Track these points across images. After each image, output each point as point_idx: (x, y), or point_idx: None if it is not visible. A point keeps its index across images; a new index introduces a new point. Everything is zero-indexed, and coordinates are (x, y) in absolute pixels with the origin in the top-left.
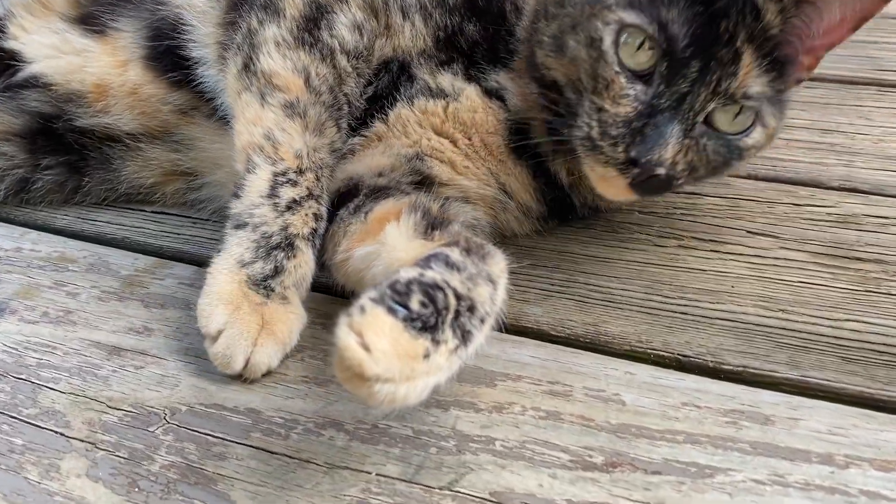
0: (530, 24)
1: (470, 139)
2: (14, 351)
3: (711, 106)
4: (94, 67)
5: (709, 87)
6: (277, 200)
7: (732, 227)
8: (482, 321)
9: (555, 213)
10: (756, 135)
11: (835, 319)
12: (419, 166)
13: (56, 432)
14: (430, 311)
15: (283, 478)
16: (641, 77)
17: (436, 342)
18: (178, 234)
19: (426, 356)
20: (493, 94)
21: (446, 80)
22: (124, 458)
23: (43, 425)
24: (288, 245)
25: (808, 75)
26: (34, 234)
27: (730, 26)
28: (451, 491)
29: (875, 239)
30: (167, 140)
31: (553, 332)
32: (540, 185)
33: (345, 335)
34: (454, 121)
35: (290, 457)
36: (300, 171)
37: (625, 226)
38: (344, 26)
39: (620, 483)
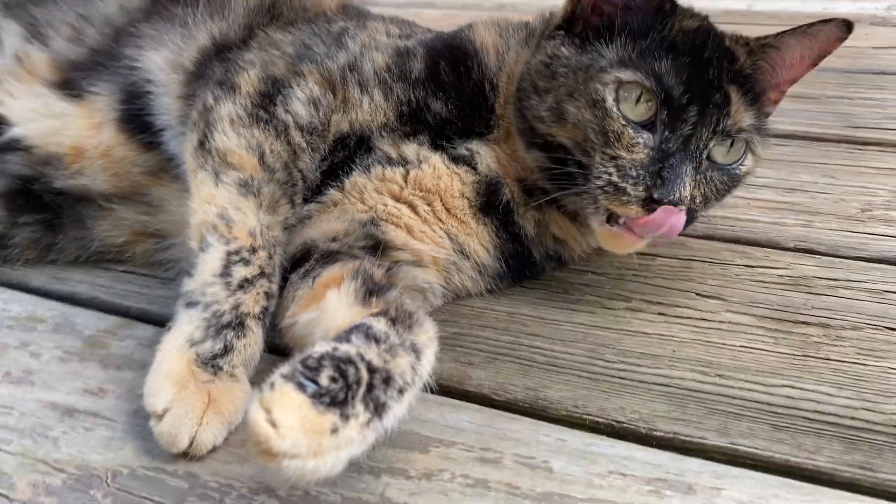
0: (515, 102)
1: (430, 204)
2: None
3: (712, 143)
4: (71, 130)
5: (709, 128)
6: (230, 279)
7: (682, 288)
8: (401, 392)
9: (511, 271)
10: (748, 162)
11: (770, 385)
12: (373, 231)
13: (0, 494)
14: (339, 386)
15: None
16: (644, 126)
17: (345, 416)
18: (145, 293)
19: (334, 431)
20: (460, 159)
21: (411, 149)
22: None
23: None
24: (238, 324)
25: (774, 109)
26: (8, 292)
27: (715, 72)
28: None
29: (823, 302)
30: (138, 201)
31: (494, 396)
32: (501, 242)
33: (254, 411)
34: (416, 187)
35: None
36: (253, 250)
37: (577, 287)
38: (300, 101)
39: None
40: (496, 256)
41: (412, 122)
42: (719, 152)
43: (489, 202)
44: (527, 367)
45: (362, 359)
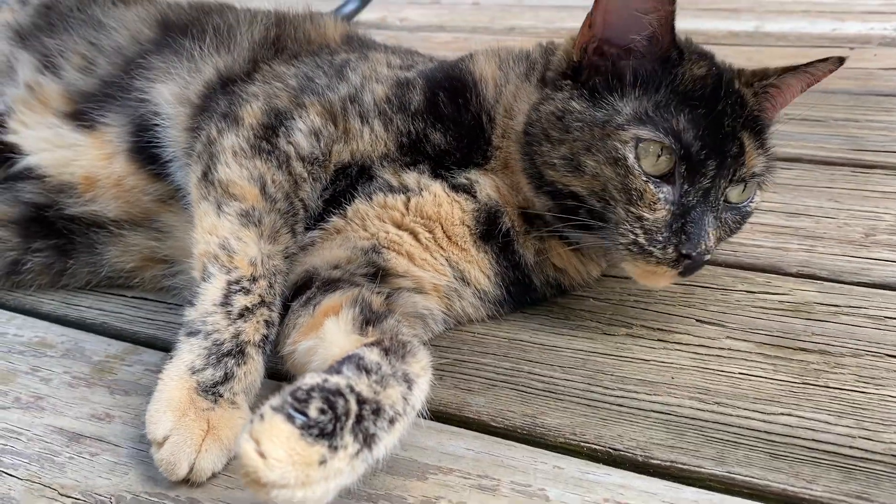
0: (523, 145)
1: (431, 231)
2: None
3: (728, 190)
4: (83, 160)
5: (727, 178)
6: (230, 308)
7: (683, 314)
8: (391, 422)
9: (512, 297)
10: (757, 198)
11: (769, 413)
12: (375, 259)
13: None
14: (328, 418)
15: None
16: (663, 178)
17: (333, 448)
18: (153, 319)
19: (322, 462)
20: (460, 188)
21: (411, 178)
22: None
23: None
24: (239, 352)
25: None
26: (20, 318)
27: (729, 122)
28: None
29: (823, 329)
30: (148, 227)
31: (493, 423)
32: (502, 269)
33: (244, 442)
34: (417, 214)
35: None
36: (254, 279)
37: (577, 313)
38: (301, 133)
39: None
40: (497, 283)
41: (412, 153)
42: (734, 194)
43: (489, 230)
44: (525, 394)
45: (352, 390)
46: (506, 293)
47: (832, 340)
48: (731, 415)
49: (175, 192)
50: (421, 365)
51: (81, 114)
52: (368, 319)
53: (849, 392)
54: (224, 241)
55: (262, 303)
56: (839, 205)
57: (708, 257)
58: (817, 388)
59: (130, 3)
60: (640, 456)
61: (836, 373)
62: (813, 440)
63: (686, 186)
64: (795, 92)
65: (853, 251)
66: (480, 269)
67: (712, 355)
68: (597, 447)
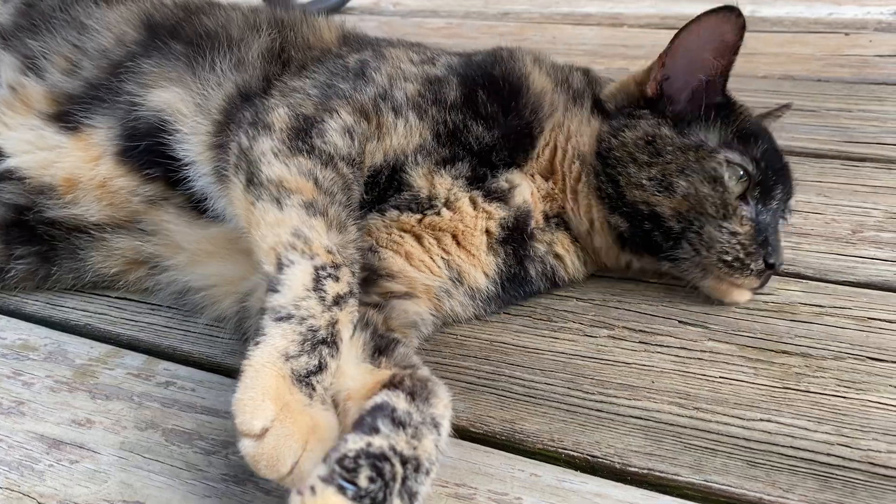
0: (602, 168)
1: (438, 239)
2: None
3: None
4: (65, 162)
5: (786, 200)
6: (323, 294)
7: (665, 315)
8: (427, 473)
9: (506, 292)
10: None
11: (748, 419)
12: (369, 259)
13: None
14: (378, 487)
15: None
16: (742, 198)
17: None
18: (136, 321)
19: None
20: (495, 194)
21: (446, 182)
22: None
23: None
24: (332, 342)
25: None
26: (4, 319)
27: (781, 154)
28: None
29: (806, 330)
30: (131, 228)
31: (471, 429)
32: (506, 267)
33: None
34: (428, 227)
35: None
36: (336, 266)
37: (560, 313)
38: (335, 132)
39: None
40: (493, 280)
41: (451, 144)
42: None
43: (511, 235)
44: (505, 399)
45: (395, 451)
46: (500, 289)
47: (815, 343)
48: (710, 420)
49: (170, 191)
50: (444, 403)
51: (66, 115)
52: (379, 347)
53: (829, 397)
54: (296, 229)
55: (351, 293)
56: (828, 200)
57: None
58: (798, 392)
59: (113, 3)
60: (618, 463)
61: (817, 377)
62: (791, 447)
63: (760, 206)
64: None
65: (839, 248)
66: (483, 270)
67: (693, 358)
68: (575, 454)
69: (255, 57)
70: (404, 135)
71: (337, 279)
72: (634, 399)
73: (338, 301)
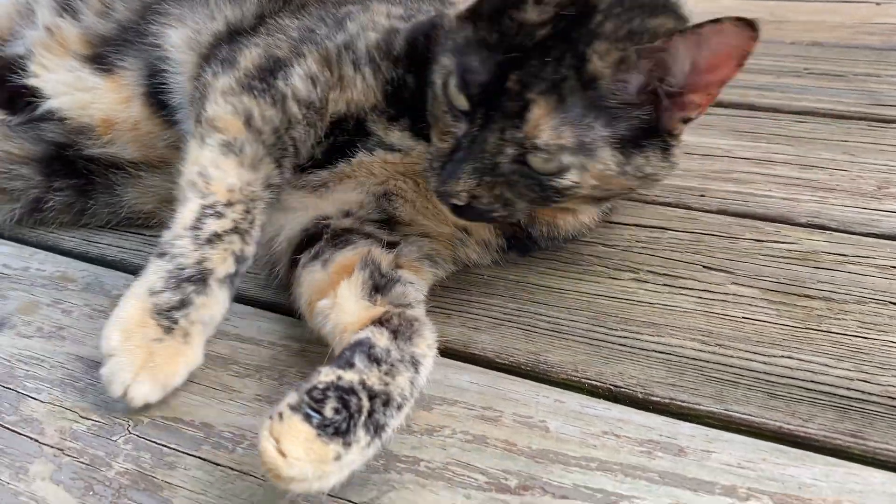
0: None
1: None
2: (6, 363)
3: (511, 150)
4: (101, 104)
5: (494, 134)
6: (199, 232)
7: (690, 261)
8: (399, 408)
9: (514, 247)
10: (571, 177)
11: (769, 356)
12: (386, 205)
13: (31, 438)
14: (342, 417)
15: (222, 488)
16: (466, 115)
17: (347, 444)
18: None
19: (337, 458)
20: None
21: (396, 136)
22: (85, 465)
23: (21, 431)
24: (200, 280)
25: (698, 112)
26: (42, 254)
27: (522, 77)
28: None
29: (829, 276)
30: (165, 170)
31: (497, 360)
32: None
33: (265, 440)
34: (412, 172)
35: (232, 469)
36: (229, 204)
37: (585, 258)
38: (299, 77)
39: None
40: (497, 234)
41: (395, 103)
42: (536, 162)
43: None
44: (531, 333)
45: (364, 386)
46: (506, 242)
47: (838, 288)
48: (731, 356)
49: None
50: (427, 343)
51: (100, 57)
52: (377, 285)
53: (850, 337)
54: (203, 168)
55: (235, 230)
56: (853, 158)
57: (458, 202)
58: (819, 332)
59: None
60: (640, 393)
61: (838, 319)
62: (811, 381)
63: (468, 128)
64: (705, 57)
65: (864, 203)
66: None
67: (717, 300)
68: (598, 384)
69: None
70: (362, 92)
71: (220, 216)
72: (658, 336)
73: (212, 239)
